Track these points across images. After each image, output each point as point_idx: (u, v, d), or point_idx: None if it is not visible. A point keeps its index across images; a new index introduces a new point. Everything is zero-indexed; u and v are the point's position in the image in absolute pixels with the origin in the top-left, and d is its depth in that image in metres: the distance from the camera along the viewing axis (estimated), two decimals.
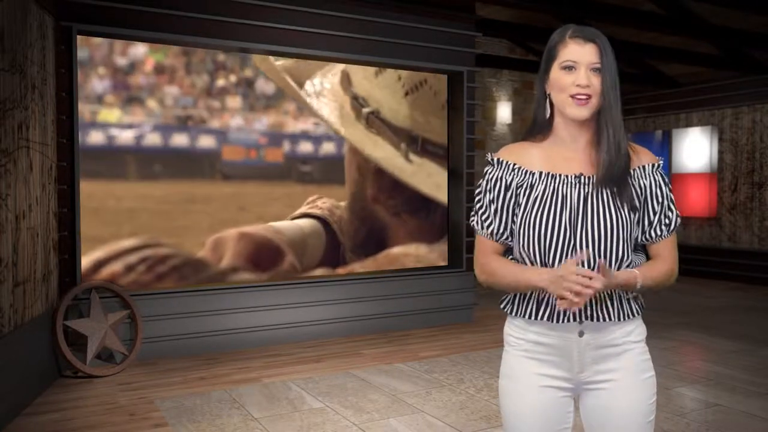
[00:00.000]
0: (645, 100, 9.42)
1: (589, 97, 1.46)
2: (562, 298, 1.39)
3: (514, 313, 1.56)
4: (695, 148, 8.77)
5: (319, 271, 5.34)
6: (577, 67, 1.47)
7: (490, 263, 1.56)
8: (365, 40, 5.39)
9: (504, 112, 8.91)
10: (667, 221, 1.53)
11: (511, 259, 1.58)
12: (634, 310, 1.53)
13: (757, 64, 7.71)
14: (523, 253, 1.53)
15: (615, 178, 1.48)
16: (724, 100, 8.51)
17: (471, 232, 6.00)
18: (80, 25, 4.33)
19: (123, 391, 3.92)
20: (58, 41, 4.27)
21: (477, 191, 1.61)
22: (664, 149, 9.03)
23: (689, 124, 8.99)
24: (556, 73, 1.50)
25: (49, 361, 4.07)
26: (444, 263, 5.95)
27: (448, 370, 4.36)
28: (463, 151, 5.89)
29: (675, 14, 6.50)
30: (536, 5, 5.75)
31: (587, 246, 1.47)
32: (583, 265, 1.47)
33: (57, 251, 4.29)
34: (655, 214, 1.53)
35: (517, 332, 1.56)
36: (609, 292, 1.48)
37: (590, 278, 1.37)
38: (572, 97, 1.47)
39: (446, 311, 5.80)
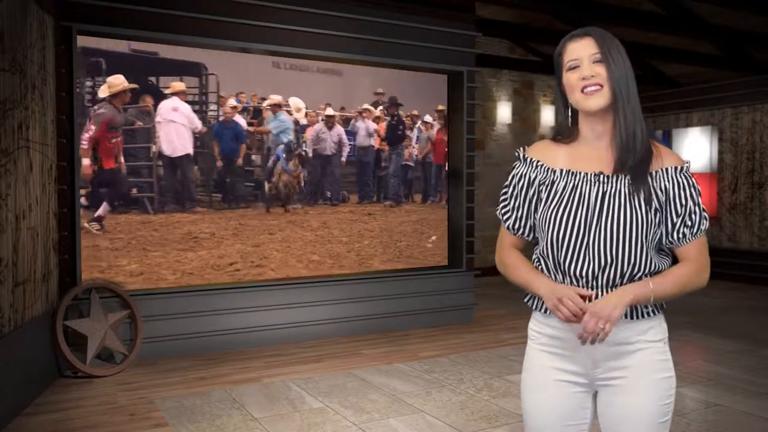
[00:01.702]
0: (645, 100, 9.41)
1: (599, 86, 1.48)
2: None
3: (535, 308, 1.61)
4: (695, 148, 8.77)
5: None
6: (580, 63, 1.50)
7: (507, 256, 1.64)
8: (365, 40, 5.39)
9: (504, 112, 8.91)
10: (689, 224, 1.50)
11: (535, 254, 1.61)
12: (650, 310, 1.52)
13: (757, 64, 7.71)
14: (542, 248, 1.56)
15: (630, 166, 1.48)
16: (724, 100, 8.51)
17: (471, 232, 6.00)
18: (80, 25, 4.33)
19: (123, 391, 3.92)
20: (58, 41, 4.27)
21: (505, 184, 1.66)
22: None
23: (689, 124, 8.99)
24: (565, 77, 1.53)
25: (49, 361, 4.07)
26: (444, 263, 5.97)
27: (448, 370, 4.36)
28: (463, 151, 5.89)
29: (675, 14, 6.50)
30: (536, 5, 5.75)
31: (601, 244, 1.47)
32: (593, 263, 1.47)
33: (57, 251, 4.29)
34: (678, 216, 1.50)
35: (537, 326, 1.61)
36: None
37: (583, 311, 1.43)
38: (582, 91, 1.49)
39: (446, 311, 5.80)
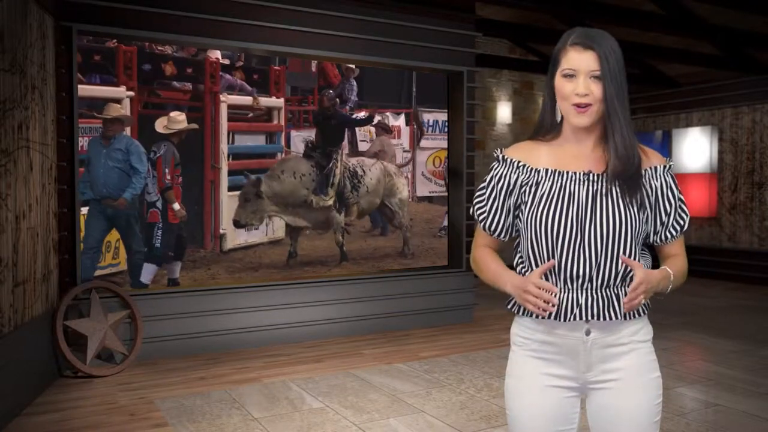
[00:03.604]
0: (645, 100, 9.42)
1: (588, 105, 1.46)
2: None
3: (520, 313, 1.57)
4: (695, 148, 8.77)
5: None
6: (577, 75, 1.47)
7: (477, 254, 1.63)
8: (365, 40, 5.39)
9: (504, 112, 8.91)
10: (681, 221, 1.55)
11: (519, 256, 1.59)
12: (640, 310, 1.53)
13: (757, 64, 7.71)
14: (530, 250, 1.53)
15: (625, 179, 1.48)
16: (724, 100, 8.51)
17: (471, 232, 6.00)
18: (80, 25, 4.32)
19: (123, 391, 3.92)
20: (58, 41, 4.27)
21: (481, 185, 1.63)
22: (664, 149, 9.03)
23: (689, 124, 8.99)
24: (558, 80, 1.50)
25: (49, 361, 4.07)
26: (444, 263, 5.97)
27: (448, 370, 4.36)
28: (463, 151, 5.89)
29: (675, 14, 6.50)
30: (536, 5, 5.74)
31: (595, 244, 1.46)
32: (589, 262, 1.47)
33: (57, 251, 4.29)
34: (668, 215, 1.53)
35: (524, 332, 1.57)
36: (615, 291, 1.49)
37: (551, 292, 1.43)
38: (573, 105, 1.47)
39: (446, 311, 5.80)
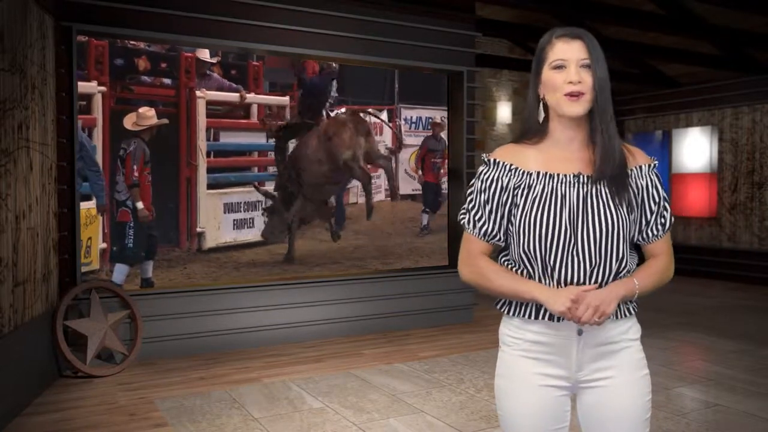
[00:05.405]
0: (645, 100, 9.42)
1: (581, 93, 1.47)
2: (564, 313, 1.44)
3: (511, 313, 1.56)
4: (695, 148, 8.77)
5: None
6: (567, 65, 1.48)
7: (479, 264, 1.56)
8: (365, 40, 5.39)
9: (504, 112, 8.91)
10: (662, 221, 1.55)
11: (507, 259, 1.58)
12: (630, 309, 1.55)
13: (757, 64, 7.71)
14: (522, 254, 1.52)
15: (611, 173, 1.48)
16: (724, 100, 8.51)
17: None
18: (80, 25, 4.33)
19: (123, 391, 3.92)
20: (58, 41, 4.27)
21: (470, 190, 1.59)
22: (664, 149, 9.03)
23: (689, 124, 8.99)
24: (547, 74, 1.51)
25: (49, 361, 4.07)
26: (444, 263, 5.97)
27: (448, 370, 4.36)
28: (463, 151, 5.89)
29: (675, 14, 6.50)
30: (536, 5, 5.75)
31: (588, 245, 1.46)
32: (584, 264, 1.47)
33: (57, 251, 4.29)
34: (652, 214, 1.54)
35: (514, 332, 1.56)
36: None
37: (600, 311, 1.42)
38: (566, 95, 1.47)
39: (446, 311, 5.80)
